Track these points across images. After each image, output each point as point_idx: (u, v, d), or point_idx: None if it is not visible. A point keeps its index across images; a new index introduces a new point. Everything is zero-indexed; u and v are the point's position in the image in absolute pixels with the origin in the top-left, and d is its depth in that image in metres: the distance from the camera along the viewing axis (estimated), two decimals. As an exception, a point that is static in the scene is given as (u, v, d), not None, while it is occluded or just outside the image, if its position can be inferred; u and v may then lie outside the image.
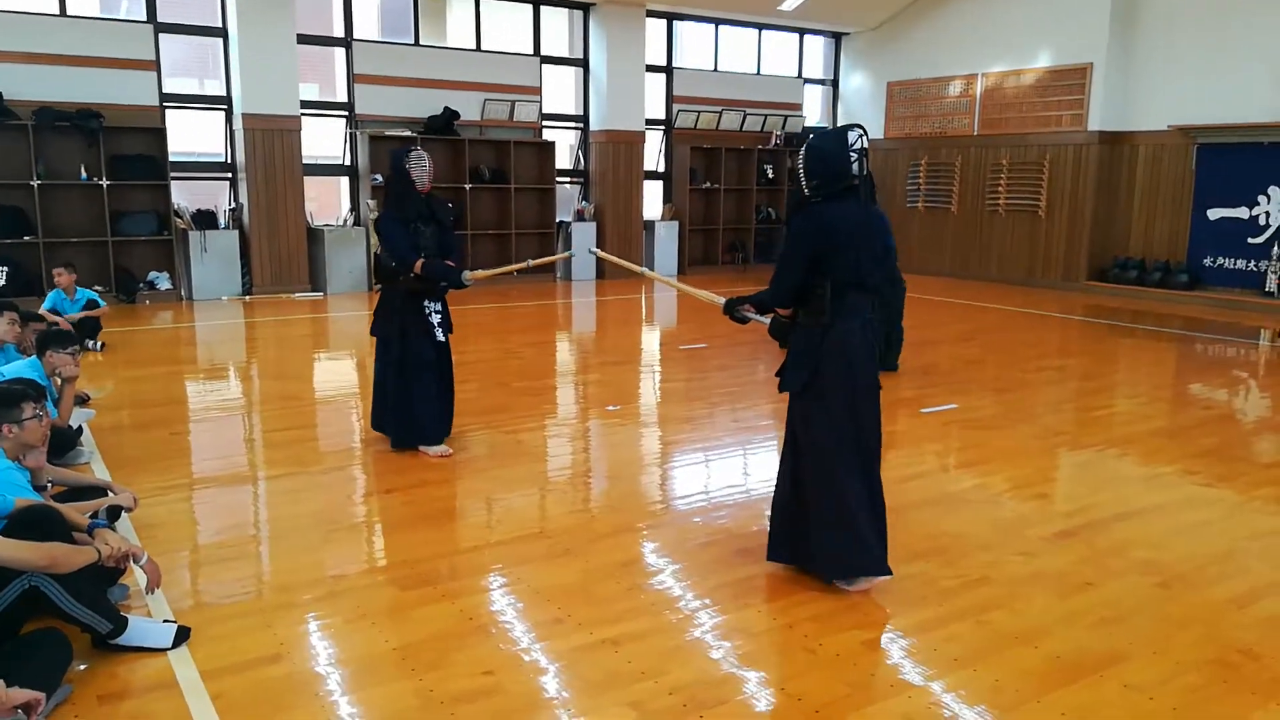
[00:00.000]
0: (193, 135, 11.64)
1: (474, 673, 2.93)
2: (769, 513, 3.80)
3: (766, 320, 3.77)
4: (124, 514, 4.00)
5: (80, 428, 5.27)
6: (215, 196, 11.78)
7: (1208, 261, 11.95)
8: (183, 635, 3.06)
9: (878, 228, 3.53)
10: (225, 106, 11.48)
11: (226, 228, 11.41)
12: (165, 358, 8.08)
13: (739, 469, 5.28)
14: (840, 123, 16.25)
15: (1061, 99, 12.95)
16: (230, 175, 11.67)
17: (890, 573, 3.55)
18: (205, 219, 11.31)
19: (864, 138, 3.46)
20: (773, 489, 3.79)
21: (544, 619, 3.30)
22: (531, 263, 5.71)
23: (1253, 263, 11.54)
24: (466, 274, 5.05)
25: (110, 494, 3.93)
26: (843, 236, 3.41)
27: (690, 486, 4.94)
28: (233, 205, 11.62)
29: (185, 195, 11.54)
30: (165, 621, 3.11)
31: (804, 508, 3.58)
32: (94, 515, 3.62)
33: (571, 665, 2.99)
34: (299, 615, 3.29)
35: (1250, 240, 11.55)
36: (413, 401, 5.09)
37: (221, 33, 11.32)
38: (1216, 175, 11.76)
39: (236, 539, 4.05)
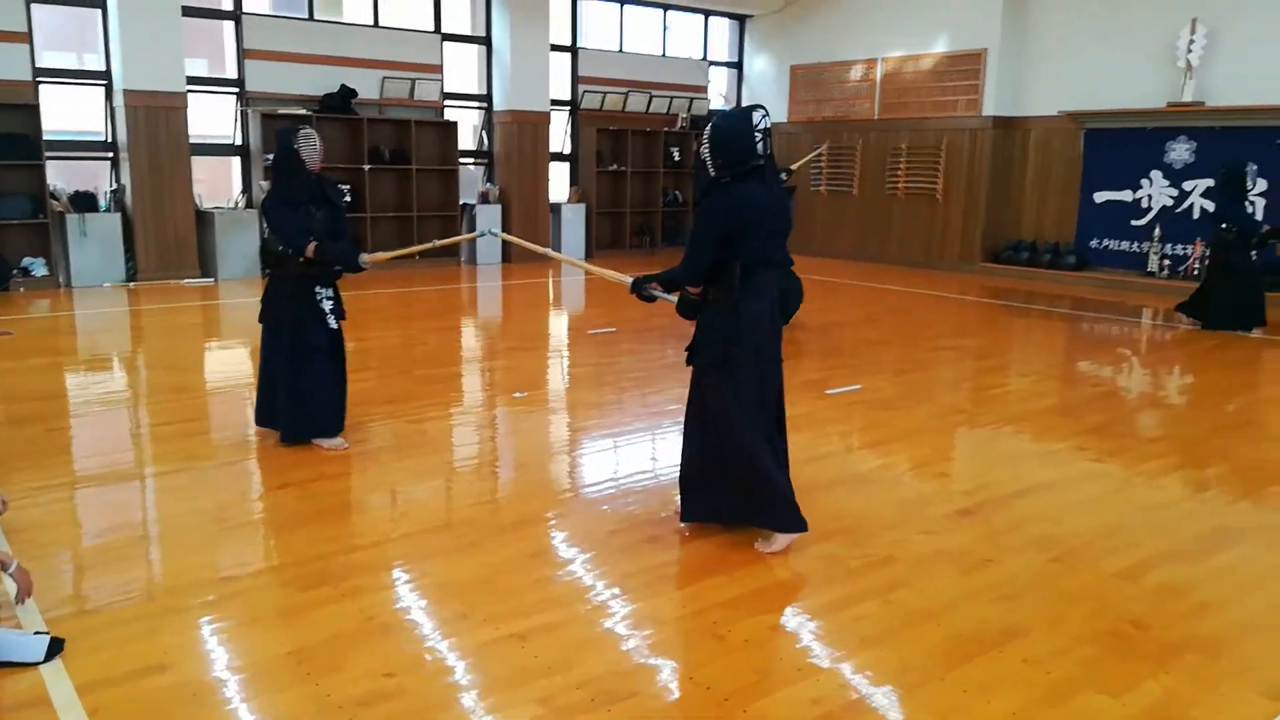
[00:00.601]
0: (70, 113, 10.99)
1: (374, 674, 2.82)
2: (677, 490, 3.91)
3: (674, 299, 3.87)
4: (-8, 518, 3.76)
5: (-55, 425, 4.92)
6: (95, 177, 11.17)
7: (1095, 243, 12.43)
8: (56, 647, 2.86)
9: (782, 206, 3.67)
10: (105, 82, 10.88)
11: (108, 210, 10.82)
12: (42, 349, 7.63)
13: (648, 454, 5.25)
14: (745, 105, 16.34)
15: (958, 84, 13.26)
16: (112, 155, 11.08)
17: (805, 527, 3.75)
18: (84, 201, 10.71)
19: (767, 118, 3.54)
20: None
21: (448, 615, 3.20)
22: (438, 243, 5.50)
23: (1136, 244, 12.05)
24: (364, 256, 4.85)
25: (-24, 497, 3.68)
26: (753, 215, 3.52)
27: (599, 473, 4.89)
28: (114, 186, 11.04)
29: (62, 176, 10.91)
30: (37, 633, 2.91)
31: (718, 476, 3.75)
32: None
33: (477, 663, 2.91)
34: (186, 621, 3.12)
35: (1134, 222, 12.05)
36: (305, 393, 4.89)
37: (100, 3, 10.70)
38: (1103, 159, 12.22)
39: (119, 541, 3.82)
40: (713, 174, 3.56)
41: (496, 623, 3.14)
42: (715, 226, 3.53)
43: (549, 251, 5.05)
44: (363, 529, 4.03)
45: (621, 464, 5.02)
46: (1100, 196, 12.30)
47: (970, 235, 13.42)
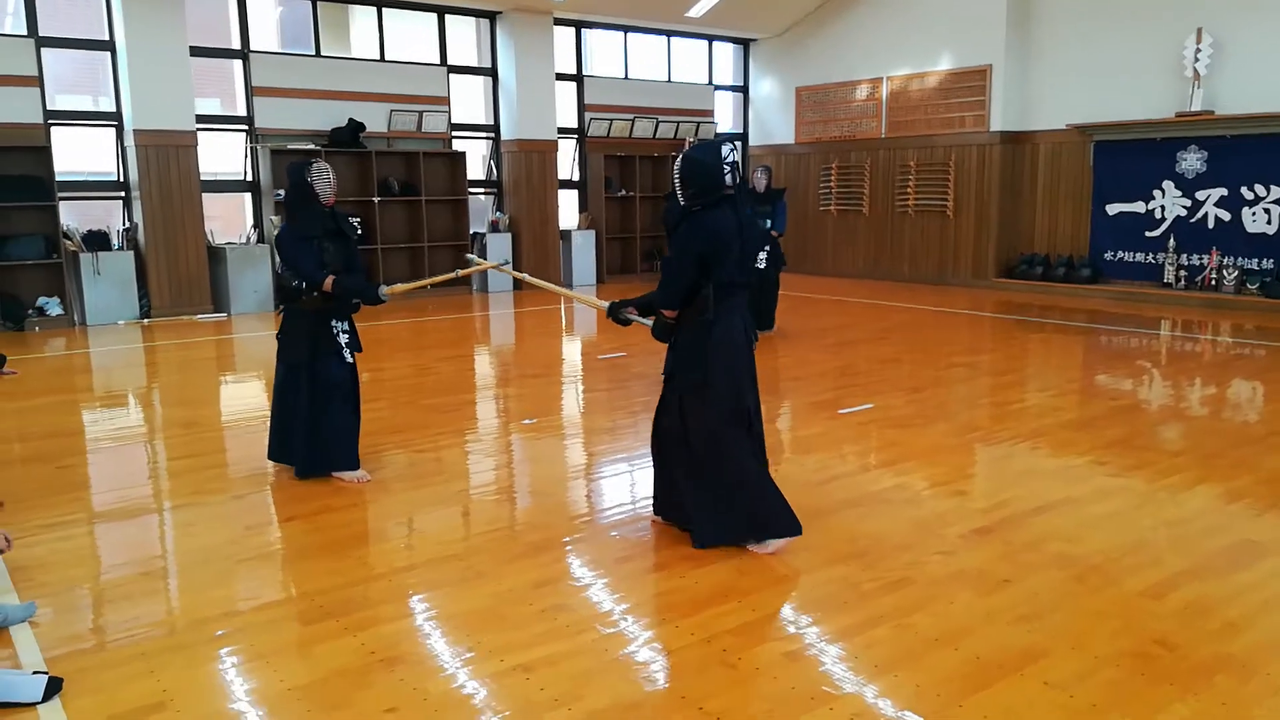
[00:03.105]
0: (82, 153, 11.10)
1: (376, 711, 2.75)
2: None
3: (649, 322, 4.05)
4: (-5, 558, 3.73)
5: (-47, 466, 4.91)
6: (108, 216, 11.26)
7: (1109, 255, 12.32)
8: (54, 687, 2.82)
9: (751, 232, 3.92)
10: (115, 122, 10.99)
11: (120, 249, 10.90)
12: (55, 387, 7.65)
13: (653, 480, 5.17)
14: (752, 129, 16.39)
15: (964, 100, 13.23)
16: (124, 194, 11.18)
17: (800, 530, 3.90)
18: (97, 240, 10.80)
19: (735, 151, 3.88)
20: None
21: (453, 648, 3.14)
22: (459, 273, 5.51)
23: (1151, 255, 11.93)
24: (383, 289, 4.83)
25: (-21, 537, 3.65)
26: (726, 240, 3.75)
27: (608, 500, 4.82)
28: (126, 225, 11.13)
29: (75, 216, 11.00)
30: (35, 673, 2.87)
31: (717, 497, 3.89)
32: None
33: (482, 697, 2.84)
34: (187, 658, 3.07)
35: (1148, 234, 11.94)
36: (324, 427, 4.85)
37: (109, 46, 10.84)
38: (1113, 172, 12.14)
39: (123, 578, 3.78)
40: (683, 202, 3.81)
41: (502, 654, 3.07)
42: (693, 251, 3.74)
43: (526, 277, 5.09)
44: (372, 560, 3.98)
45: (630, 490, 4.95)
46: (1113, 208, 12.21)
47: (982, 250, 13.34)
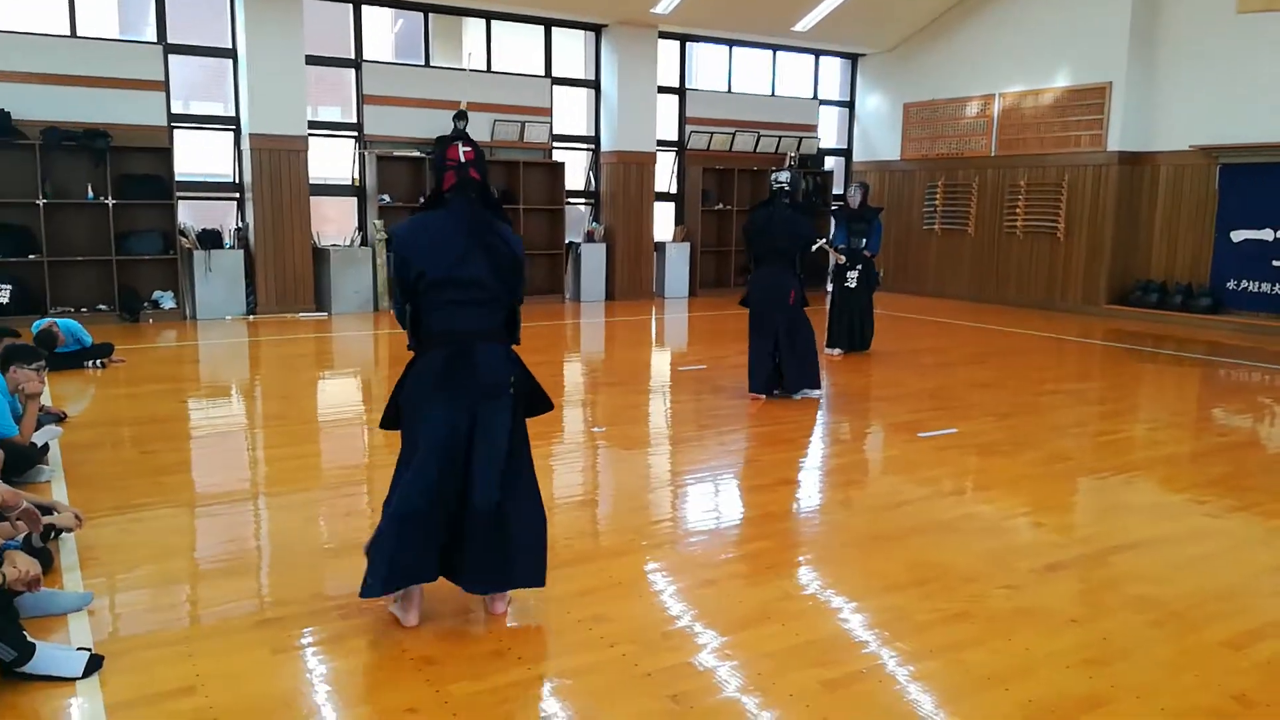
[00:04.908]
0: (201, 155, 11.65)
1: (397, 710, 2.73)
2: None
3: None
4: (65, 534, 3.87)
5: (46, 445, 5.15)
6: (222, 216, 11.77)
7: (1231, 285, 11.59)
8: (94, 664, 2.89)
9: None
10: (234, 127, 11.49)
11: (232, 247, 11.38)
12: (159, 376, 7.99)
13: (712, 495, 5.05)
14: (856, 145, 16.08)
15: (1080, 119, 12.68)
16: (238, 195, 11.67)
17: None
18: (210, 238, 11.29)
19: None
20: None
21: (483, 652, 3.09)
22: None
23: (1278, 286, 11.18)
24: None
25: (54, 514, 3.80)
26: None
27: (662, 513, 4.72)
28: (239, 225, 11.61)
29: (191, 215, 11.53)
30: (79, 649, 2.95)
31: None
32: (28, 537, 3.49)
33: (499, 704, 2.78)
34: (224, 645, 3.11)
35: (1275, 263, 11.19)
36: None
37: (231, 54, 11.35)
38: (1240, 196, 11.43)
39: (180, 564, 3.87)
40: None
41: (530, 662, 3.01)
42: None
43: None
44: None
45: (687, 505, 4.84)
46: (1238, 235, 11.49)
47: (1094, 276, 12.73)
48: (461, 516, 3.21)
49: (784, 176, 7.08)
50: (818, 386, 7.21)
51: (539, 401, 3.45)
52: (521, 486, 3.30)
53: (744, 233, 7.26)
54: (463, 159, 3.32)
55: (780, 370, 7.07)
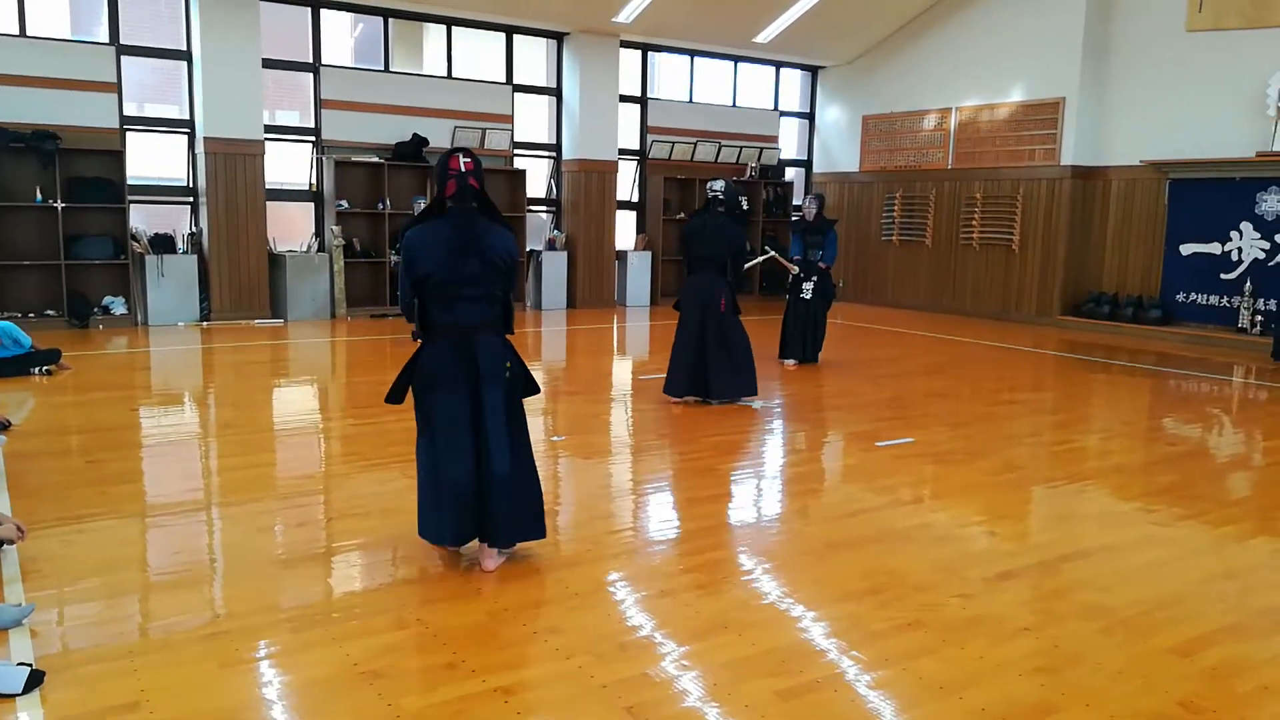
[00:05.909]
0: (153, 158, 11.44)
1: (347, 724, 2.69)
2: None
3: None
4: (6, 546, 3.77)
5: (-13, 455, 5.02)
6: (175, 220, 11.57)
7: (1181, 297, 11.85)
8: (35, 680, 2.81)
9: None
10: (188, 130, 11.31)
11: (185, 252, 11.19)
12: (108, 383, 7.83)
13: (669, 505, 5.05)
14: (816, 156, 16.23)
15: (1034, 133, 12.91)
16: (191, 199, 11.48)
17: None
18: (163, 243, 11.10)
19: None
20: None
21: (436, 664, 3.06)
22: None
23: (1226, 299, 11.44)
24: None
25: (-5, 526, 3.70)
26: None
27: (619, 523, 4.71)
28: (192, 230, 11.42)
29: (144, 219, 11.32)
30: (20, 664, 2.87)
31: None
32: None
33: (452, 717, 2.75)
34: (170, 659, 3.04)
35: (1223, 276, 11.46)
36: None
37: (186, 56, 11.18)
38: (1189, 211, 11.69)
39: (126, 576, 3.78)
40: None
41: (484, 674, 2.98)
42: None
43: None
44: (370, 571, 3.93)
45: (646, 515, 4.84)
46: (1186, 249, 11.75)
47: (1048, 287, 12.95)
48: (482, 482, 3.78)
49: (719, 185, 7.26)
50: (754, 394, 7.29)
51: (530, 385, 3.98)
52: (524, 457, 3.90)
53: (680, 239, 7.74)
54: (463, 169, 3.73)
55: (706, 376, 7.12)
